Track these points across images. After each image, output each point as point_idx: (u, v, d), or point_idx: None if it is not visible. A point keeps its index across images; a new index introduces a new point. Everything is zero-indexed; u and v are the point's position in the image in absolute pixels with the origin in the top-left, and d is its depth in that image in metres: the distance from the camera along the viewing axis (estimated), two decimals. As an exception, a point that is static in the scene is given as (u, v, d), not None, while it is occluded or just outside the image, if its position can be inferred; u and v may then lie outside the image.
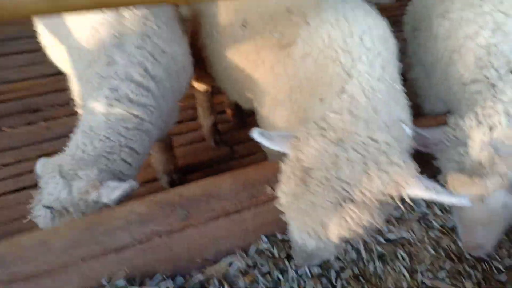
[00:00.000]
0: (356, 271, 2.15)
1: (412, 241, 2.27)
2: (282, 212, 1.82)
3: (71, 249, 1.78)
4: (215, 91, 3.92)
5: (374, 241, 2.26)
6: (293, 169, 1.70)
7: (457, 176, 1.96)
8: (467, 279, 2.07)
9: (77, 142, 2.18)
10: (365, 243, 2.25)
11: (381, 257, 2.20)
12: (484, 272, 2.11)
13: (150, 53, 2.28)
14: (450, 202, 1.61)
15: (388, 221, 2.37)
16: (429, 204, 2.46)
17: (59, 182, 2.04)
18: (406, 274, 2.10)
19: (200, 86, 3.66)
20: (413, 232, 2.30)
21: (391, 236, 2.30)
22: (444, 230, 2.31)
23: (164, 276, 2.05)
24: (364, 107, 1.74)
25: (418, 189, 1.61)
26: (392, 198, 1.64)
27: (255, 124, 3.95)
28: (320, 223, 1.65)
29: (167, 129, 2.66)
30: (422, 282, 2.07)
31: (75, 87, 2.55)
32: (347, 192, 1.60)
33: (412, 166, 1.66)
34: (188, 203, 1.97)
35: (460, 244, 2.19)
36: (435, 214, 2.40)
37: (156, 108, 2.31)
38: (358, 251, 2.23)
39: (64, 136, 4.03)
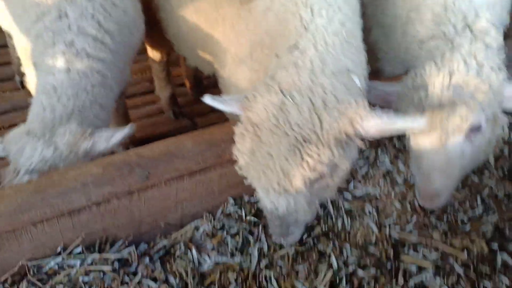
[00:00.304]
0: (325, 228, 2.11)
1: (379, 196, 2.27)
2: (247, 175, 1.77)
3: (19, 213, 1.62)
4: (171, 61, 3.77)
5: (341, 198, 2.24)
6: (244, 127, 1.68)
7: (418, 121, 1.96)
8: (434, 230, 2.09)
9: (43, 104, 2.03)
10: (332, 200, 2.22)
11: (349, 213, 2.18)
12: (449, 223, 2.14)
13: (101, 5, 2.14)
14: (407, 126, 1.61)
15: (354, 178, 2.36)
16: (392, 160, 2.47)
17: (38, 144, 1.91)
18: (374, 228, 2.09)
19: (155, 55, 3.49)
20: (379, 188, 2.29)
21: (357, 193, 2.28)
22: (408, 185, 2.33)
23: (126, 242, 1.93)
24: (311, 59, 1.72)
25: (372, 120, 1.60)
26: (348, 136, 1.61)
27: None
28: (282, 172, 1.60)
29: (123, 87, 2.55)
30: (390, 235, 2.07)
31: (22, 44, 2.37)
32: (300, 134, 1.58)
33: (364, 103, 1.64)
34: (148, 163, 1.84)
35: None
36: (398, 170, 2.41)
37: (114, 64, 2.21)
38: (326, 209, 2.20)
39: (9, 112, 3.79)
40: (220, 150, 2.01)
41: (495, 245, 2.00)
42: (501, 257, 1.95)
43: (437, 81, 1.92)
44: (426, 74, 1.97)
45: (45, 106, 2.01)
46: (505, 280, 1.85)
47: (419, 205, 2.19)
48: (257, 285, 1.87)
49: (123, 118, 3.21)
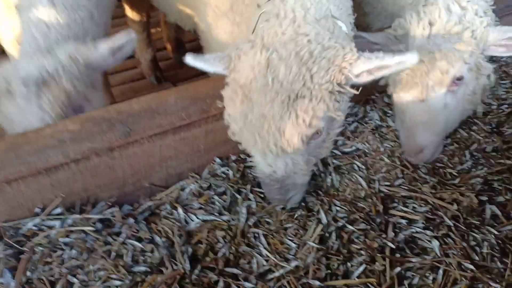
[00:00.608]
0: (314, 184, 2.07)
1: (368, 152, 2.23)
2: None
3: (-9, 171, 1.53)
4: (151, 24, 3.61)
5: (330, 155, 2.19)
6: (233, 90, 1.61)
7: (398, 77, 1.92)
8: (423, 185, 2.06)
9: (33, 35, 1.91)
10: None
11: (337, 169, 2.14)
12: (439, 177, 2.12)
13: None
14: (399, 63, 1.55)
15: (343, 135, 2.31)
16: (382, 117, 2.42)
17: (35, 56, 1.79)
18: (363, 183, 2.06)
19: (134, 16, 3.33)
20: (368, 144, 2.25)
21: (346, 149, 2.24)
22: (397, 141, 2.29)
23: (109, 203, 1.85)
24: (293, 8, 1.65)
25: (362, 64, 1.54)
26: (340, 85, 1.56)
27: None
28: (278, 132, 1.55)
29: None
30: (380, 190, 2.04)
31: None
32: (292, 91, 1.51)
33: (351, 47, 1.57)
34: (129, 119, 1.75)
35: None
36: (388, 126, 2.37)
37: (98, 3, 2.14)
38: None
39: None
40: (205, 105, 1.93)
41: (484, 198, 1.99)
42: (490, 209, 1.94)
43: (417, 32, 1.87)
44: (406, 25, 1.92)
45: (36, 36, 1.90)
46: (494, 231, 1.85)
47: (407, 160, 2.17)
48: (246, 243, 1.83)
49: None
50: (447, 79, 1.85)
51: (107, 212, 1.82)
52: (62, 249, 1.68)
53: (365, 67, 1.54)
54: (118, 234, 1.78)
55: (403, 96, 1.96)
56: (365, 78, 1.58)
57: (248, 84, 1.57)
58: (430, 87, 1.86)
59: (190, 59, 1.67)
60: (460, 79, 1.88)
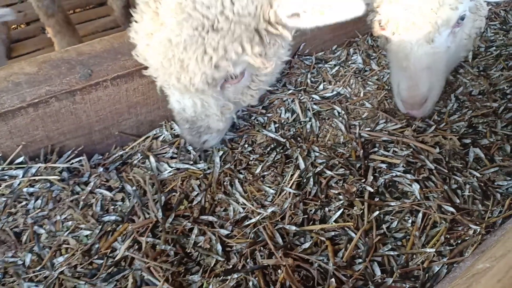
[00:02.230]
0: (293, 131, 1.99)
1: (349, 96, 2.13)
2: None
3: None
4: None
5: (309, 99, 2.10)
6: (145, 2, 1.38)
7: (403, 16, 1.72)
8: (405, 128, 1.99)
9: None
10: (300, 103, 2.08)
11: (317, 115, 2.05)
12: (422, 121, 2.04)
13: None
14: (342, 7, 1.31)
15: (324, 81, 2.21)
16: (365, 60, 2.31)
17: None
18: (343, 129, 1.98)
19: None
20: (350, 88, 2.16)
21: (327, 94, 2.15)
22: (380, 85, 2.20)
23: (77, 152, 1.76)
24: None
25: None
26: (270, 23, 1.35)
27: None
28: (180, 63, 1.33)
29: None
30: (360, 135, 1.96)
31: None
32: (206, 17, 1.29)
33: None
34: (90, 61, 1.63)
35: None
36: (371, 70, 2.27)
37: None
38: (293, 112, 2.06)
39: None
40: (174, 47, 1.79)
41: (467, 141, 1.93)
42: (473, 151, 1.88)
43: None
44: None
45: None
46: (477, 174, 1.80)
47: (392, 105, 2.09)
48: (222, 191, 1.76)
49: (66, 27, 2.86)
50: (455, 17, 1.70)
51: (74, 161, 1.73)
52: (27, 199, 1.61)
53: (300, 6, 1.30)
54: (86, 183, 1.70)
55: (407, 38, 1.77)
56: (304, 22, 1.33)
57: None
58: (438, 26, 1.70)
59: None
60: (462, 18, 1.75)
